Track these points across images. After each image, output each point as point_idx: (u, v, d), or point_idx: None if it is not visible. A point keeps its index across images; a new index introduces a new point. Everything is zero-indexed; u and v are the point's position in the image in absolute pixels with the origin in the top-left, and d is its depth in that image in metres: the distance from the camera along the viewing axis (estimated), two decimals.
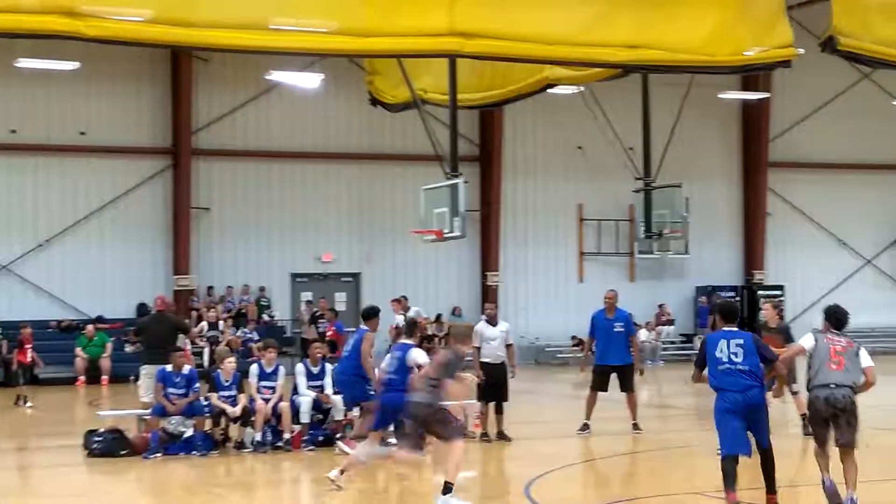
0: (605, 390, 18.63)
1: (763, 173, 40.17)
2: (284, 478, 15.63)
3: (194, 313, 32.66)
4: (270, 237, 35.11)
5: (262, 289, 34.97)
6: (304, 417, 17.13)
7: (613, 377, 18.64)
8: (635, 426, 18.50)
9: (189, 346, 25.03)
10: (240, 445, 16.94)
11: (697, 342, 37.52)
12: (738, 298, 38.33)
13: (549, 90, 23.89)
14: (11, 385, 26.00)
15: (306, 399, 17.19)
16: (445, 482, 11.94)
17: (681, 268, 39.70)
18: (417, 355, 13.87)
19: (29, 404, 24.08)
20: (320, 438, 17.12)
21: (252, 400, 17.01)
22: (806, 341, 11.90)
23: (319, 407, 17.34)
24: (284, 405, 17.06)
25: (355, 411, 16.83)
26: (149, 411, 17.15)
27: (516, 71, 22.69)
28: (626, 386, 18.62)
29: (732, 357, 11.51)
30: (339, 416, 17.10)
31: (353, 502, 13.72)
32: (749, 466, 11.73)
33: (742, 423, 11.49)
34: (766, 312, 18.09)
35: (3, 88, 32.42)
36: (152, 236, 34.07)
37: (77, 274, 33.27)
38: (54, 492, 14.71)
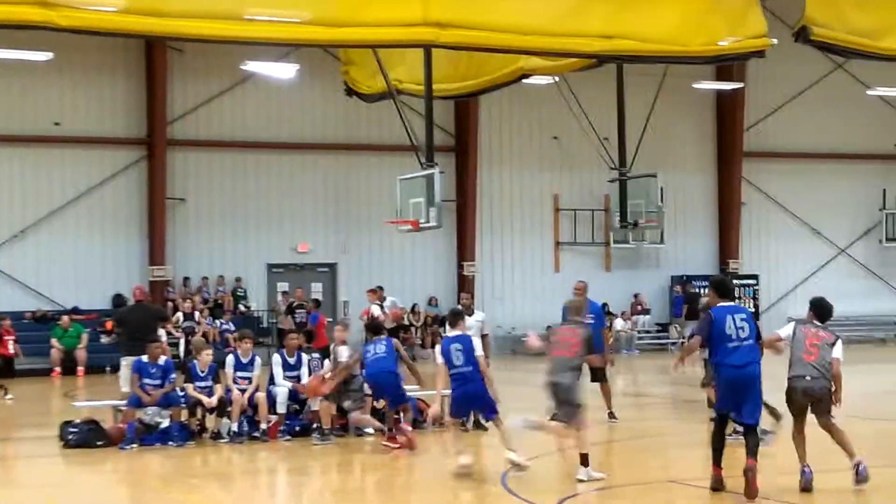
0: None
1: (738, 163, 40.31)
2: (261, 468, 15.62)
3: (170, 304, 32.55)
4: (246, 228, 35.05)
5: (238, 279, 34.95)
6: (281, 408, 17.15)
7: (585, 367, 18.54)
8: (611, 415, 18.51)
9: (165, 337, 24.92)
10: (216, 436, 16.92)
11: (673, 331, 38.00)
12: None
13: (524, 80, 23.91)
14: None
15: (282, 389, 17.20)
16: (581, 454, 12.77)
17: (656, 257, 39.84)
18: (477, 346, 14.21)
19: (9, 396, 23.95)
20: (297, 428, 17.14)
21: (228, 390, 17.01)
22: (784, 331, 12.28)
23: (296, 397, 17.36)
24: (261, 395, 17.06)
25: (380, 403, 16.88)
26: (125, 402, 17.13)
27: (491, 61, 22.68)
28: (598, 377, 18.42)
29: (739, 332, 11.82)
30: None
31: (331, 493, 13.77)
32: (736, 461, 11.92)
33: (741, 394, 11.75)
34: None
35: None
36: (127, 227, 33.97)
37: (52, 265, 33.16)
38: (30, 482, 14.69)
